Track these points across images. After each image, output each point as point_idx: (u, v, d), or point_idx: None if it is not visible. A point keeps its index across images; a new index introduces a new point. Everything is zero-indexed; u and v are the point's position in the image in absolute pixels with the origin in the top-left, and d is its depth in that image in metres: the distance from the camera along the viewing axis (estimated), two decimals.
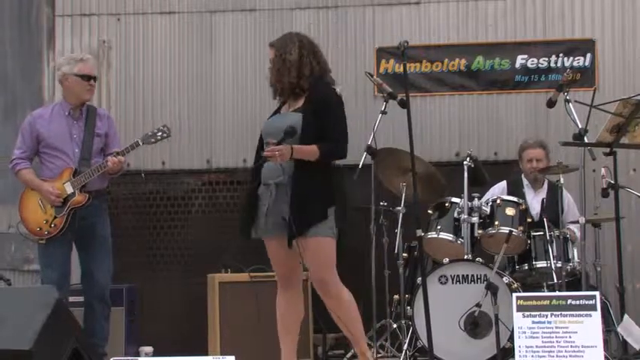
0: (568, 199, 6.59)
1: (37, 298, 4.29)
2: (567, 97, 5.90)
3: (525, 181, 6.81)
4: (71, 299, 6.02)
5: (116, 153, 5.85)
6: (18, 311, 4.17)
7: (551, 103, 6.04)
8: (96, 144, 5.96)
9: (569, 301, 4.85)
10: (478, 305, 5.65)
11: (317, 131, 4.98)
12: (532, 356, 4.78)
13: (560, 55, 7.57)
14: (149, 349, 6.84)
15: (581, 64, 7.53)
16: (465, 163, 6.15)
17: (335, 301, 5.04)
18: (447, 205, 6.19)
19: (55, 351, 4.15)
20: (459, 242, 6.06)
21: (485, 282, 5.65)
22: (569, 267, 6.10)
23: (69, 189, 5.84)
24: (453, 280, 5.80)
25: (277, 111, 5.28)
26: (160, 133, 5.97)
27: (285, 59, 5.11)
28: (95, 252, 5.95)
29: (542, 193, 6.68)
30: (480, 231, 6.05)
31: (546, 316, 4.84)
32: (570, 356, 4.74)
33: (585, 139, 5.72)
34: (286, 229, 4.94)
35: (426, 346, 5.04)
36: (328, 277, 5.02)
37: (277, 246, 5.07)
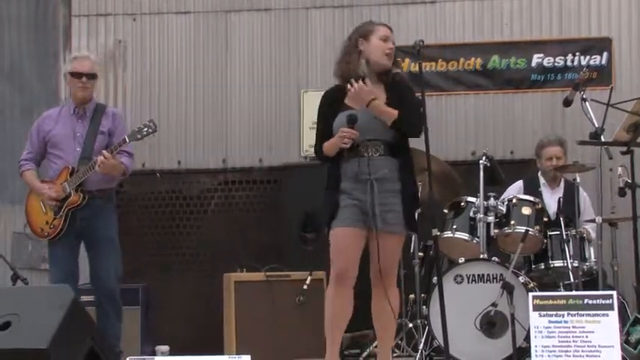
0: (584, 198, 6.56)
1: (53, 297, 4.30)
2: (584, 96, 5.88)
3: (542, 180, 6.78)
4: (84, 299, 6.03)
5: (105, 151, 5.74)
6: (35, 310, 4.19)
7: (567, 102, 6.02)
8: (99, 142, 5.84)
9: (585, 301, 4.83)
10: (494, 305, 5.63)
11: None
12: (548, 356, 4.76)
13: (577, 53, 7.55)
14: (165, 348, 6.85)
15: (597, 62, 7.50)
16: (480, 162, 6.13)
17: (395, 293, 5.00)
18: (462, 204, 6.17)
19: (71, 350, 4.15)
20: (474, 241, 6.04)
21: (501, 281, 5.63)
22: (585, 266, 6.08)
23: (66, 189, 5.79)
24: (468, 279, 5.78)
25: (338, 104, 4.99)
26: (145, 129, 5.81)
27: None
28: (99, 253, 5.88)
29: (559, 192, 6.65)
30: (496, 230, 6.03)
31: (563, 315, 4.82)
32: (587, 356, 4.72)
33: (602, 138, 5.70)
34: (372, 223, 4.85)
35: (442, 345, 5.02)
36: (396, 271, 5.05)
37: (357, 238, 4.91)
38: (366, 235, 4.93)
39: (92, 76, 5.96)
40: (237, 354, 5.63)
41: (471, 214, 6.08)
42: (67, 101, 6.42)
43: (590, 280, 6.12)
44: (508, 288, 5.53)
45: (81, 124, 5.91)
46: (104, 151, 5.69)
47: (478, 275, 5.77)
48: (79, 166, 5.79)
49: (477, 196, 6.06)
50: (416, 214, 5.04)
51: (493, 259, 5.83)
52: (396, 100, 4.95)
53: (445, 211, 6.21)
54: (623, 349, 5.24)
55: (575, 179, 6.13)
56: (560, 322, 4.81)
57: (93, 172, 5.72)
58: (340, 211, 4.91)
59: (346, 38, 5.18)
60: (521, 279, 5.73)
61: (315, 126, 5.16)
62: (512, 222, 6.00)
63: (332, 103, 5.04)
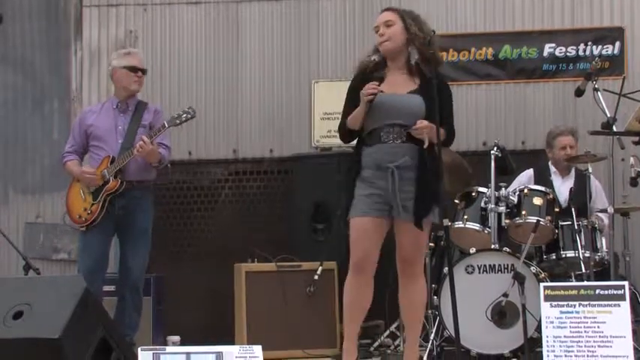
0: (596, 186, 6.54)
1: (65, 287, 4.33)
2: (596, 86, 5.85)
3: (552, 169, 6.77)
4: (106, 288, 6.09)
5: (144, 136, 5.88)
6: (47, 300, 4.21)
7: (579, 92, 6.00)
8: (139, 134, 5.96)
9: (597, 291, 4.82)
10: (505, 295, 5.62)
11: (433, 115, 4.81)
12: (560, 346, 4.76)
13: (589, 43, 7.52)
14: (176, 338, 6.86)
15: (609, 52, 7.47)
16: (492, 152, 6.11)
17: (419, 283, 5.01)
18: (473, 194, 6.15)
19: (83, 340, 4.18)
20: (485, 232, 6.03)
21: (512, 272, 5.63)
22: (597, 257, 6.06)
23: (106, 176, 5.92)
24: (479, 269, 5.78)
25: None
26: (184, 115, 5.96)
27: (423, 27, 4.97)
28: (132, 242, 6.02)
29: (570, 181, 6.64)
30: (507, 220, 6.01)
31: (574, 306, 4.81)
32: (599, 346, 4.71)
33: (614, 128, 5.68)
34: (394, 211, 4.84)
35: (453, 335, 5.02)
36: (421, 260, 5.02)
37: (376, 227, 4.89)
38: (388, 223, 4.92)
39: (145, 71, 6.17)
40: (248, 344, 5.65)
41: (482, 204, 6.07)
42: (81, 92, 6.54)
43: (602, 271, 6.11)
44: (519, 278, 5.52)
45: (123, 117, 6.07)
46: (143, 136, 5.83)
47: (489, 265, 5.77)
48: (119, 155, 5.93)
49: (488, 187, 6.05)
50: (435, 204, 4.87)
51: (504, 249, 5.82)
52: (427, 94, 4.83)
53: (456, 201, 6.20)
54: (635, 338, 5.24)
55: (586, 169, 6.11)
56: (572, 312, 4.80)
57: (132, 158, 5.86)
58: (358, 200, 4.89)
59: None
60: (533, 269, 5.73)
61: (344, 107, 5.02)
62: (524, 212, 5.98)
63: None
